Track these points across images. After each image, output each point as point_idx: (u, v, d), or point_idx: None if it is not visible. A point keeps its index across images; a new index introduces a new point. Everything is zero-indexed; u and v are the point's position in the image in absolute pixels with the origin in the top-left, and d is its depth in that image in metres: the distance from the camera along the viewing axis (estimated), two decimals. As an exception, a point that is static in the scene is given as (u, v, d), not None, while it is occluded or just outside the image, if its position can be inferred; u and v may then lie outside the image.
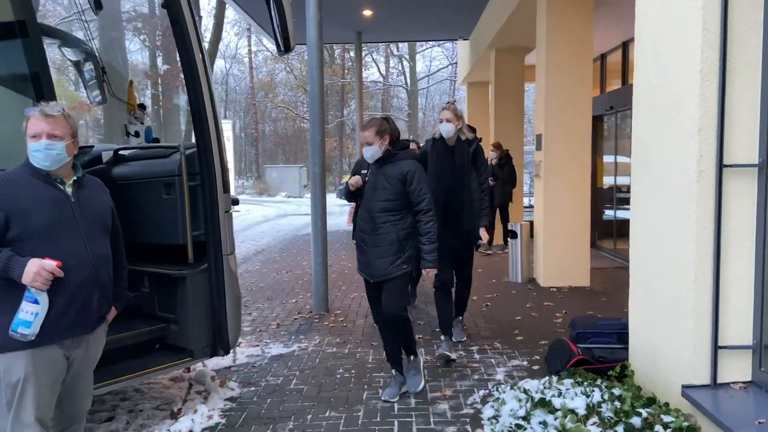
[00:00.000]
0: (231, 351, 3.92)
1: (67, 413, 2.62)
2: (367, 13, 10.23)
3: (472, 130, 4.94)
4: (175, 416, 3.62)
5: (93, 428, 3.47)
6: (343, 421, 3.59)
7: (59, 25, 5.07)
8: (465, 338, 5.13)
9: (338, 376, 4.34)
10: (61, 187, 2.45)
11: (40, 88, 2.76)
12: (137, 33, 19.93)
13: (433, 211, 3.76)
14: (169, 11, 3.45)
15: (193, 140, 3.59)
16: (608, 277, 7.76)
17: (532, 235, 7.81)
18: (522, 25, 8.71)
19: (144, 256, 3.76)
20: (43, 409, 2.42)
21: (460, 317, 5.25)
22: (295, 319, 5.94)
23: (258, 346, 5.07)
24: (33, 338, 2.30)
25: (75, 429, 2.70)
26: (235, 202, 3.78)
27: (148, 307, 3.82)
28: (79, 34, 4.86)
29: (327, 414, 3.69)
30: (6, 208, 2.31)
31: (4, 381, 2.37)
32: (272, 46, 28.81)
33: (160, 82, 20.75)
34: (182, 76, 3.60)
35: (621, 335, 4.09)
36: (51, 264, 2.28)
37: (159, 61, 20.77)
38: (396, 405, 3.80)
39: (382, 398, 3.88)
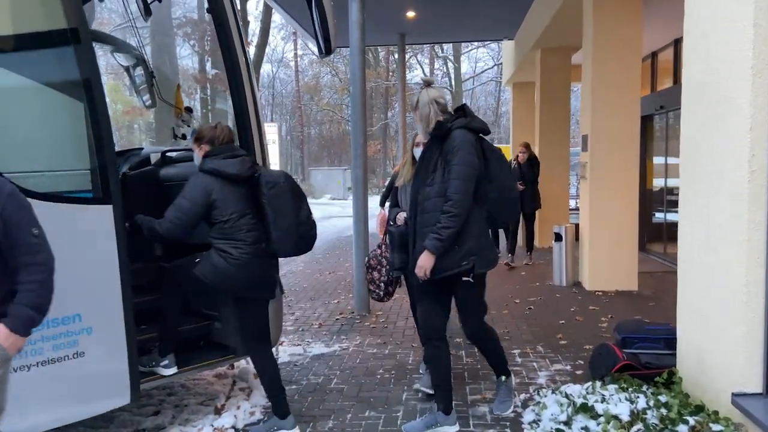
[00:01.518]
0: (273, 349, 3.98)
1: None
2: (411, 14, 10.23)
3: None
4: (218, 412, 3.70)
5: (140, 421, 3.59)
6: (382, 421, 3.60)
7: (113, 31, 5.26)
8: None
9: (378, 376, 4.36)
10: None
11: (91, 93, 2.88)
12: (187, 38, 20.52)
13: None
14: (213, 16, 3.55)
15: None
16: (657, 281, 7.53)
17: (577, 238, 7.65)
18: (568, 24, 8.56)
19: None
20: None
21: (503, 376, 3.77)
22: (337, 319, 5.99)
23: (300, 345, 5.13)
24: None
25: None
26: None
27: (194, 305, 3.93)
28: (132, 41, 5.03)
29: (366, 414, 3.71)
30: None
31: None
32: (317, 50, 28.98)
33: (208, 86, 21.30)
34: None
35: (669, 341, 3.96)
36: None
37: (208, 65, 21.32)
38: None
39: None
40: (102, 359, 2.92)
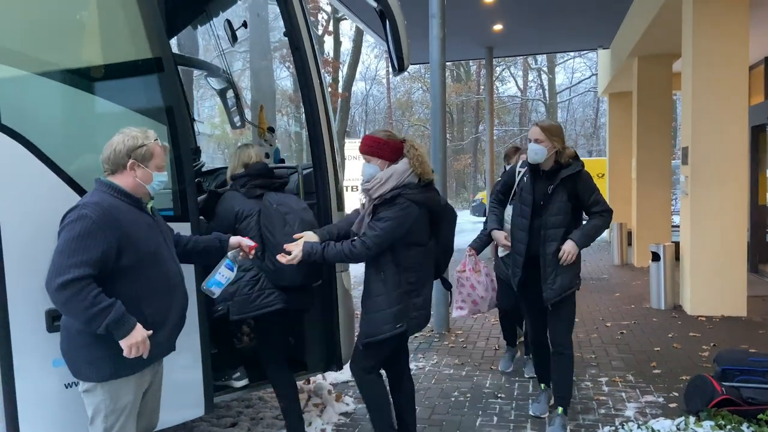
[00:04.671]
0: (345, 366, 3.99)
1: (140, 430, 2.59)
2: (498, 27, 10.07)
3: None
4: (291, 427, 3.74)
5: (217, 432, 3.70)
6: (452, 446, 3.50)
7: (214, 58, 5.60)
8: None
9: (452, 398, 4.25)
10: (149, 212, 2.53)
11: (173, 117, 3.04)
12: (282, 61, 21.43)
13: None
14: (290, 39, 3.66)
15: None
16: (770, 306, 6.85)
17: (677, 258, 7.13)
18: (666, 31, 8.08)
19: None
20: (135, 430, 2.51)
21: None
22: (415, 337, 5.92)
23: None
24: (216, 297, 2.80)
25: None
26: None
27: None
28: (236, 65, 5.29)
29: (437, 437, 3.62)
30: (118, 235, 2.30)
31: (107, 408, 2.37)
32: (410, 67, 29.45)
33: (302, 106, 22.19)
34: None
35: (776, 375, 3.58)
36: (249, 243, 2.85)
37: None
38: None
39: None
40: (179, 371, 3.03)
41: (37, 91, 2.80)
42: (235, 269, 2.84)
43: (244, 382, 3.50)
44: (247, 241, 2.90)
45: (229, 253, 2.83)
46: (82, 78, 2.95)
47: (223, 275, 2.76)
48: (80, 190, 2.68)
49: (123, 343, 2.27)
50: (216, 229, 3.17)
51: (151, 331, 2.35)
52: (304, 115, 3.72)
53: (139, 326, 2.31)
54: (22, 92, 2.73)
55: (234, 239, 2.88)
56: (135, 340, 2.28)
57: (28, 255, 2.55)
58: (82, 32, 3.12)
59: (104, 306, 2.22)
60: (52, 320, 2.57)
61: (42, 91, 2.81)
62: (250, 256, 2.92)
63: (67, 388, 2.65)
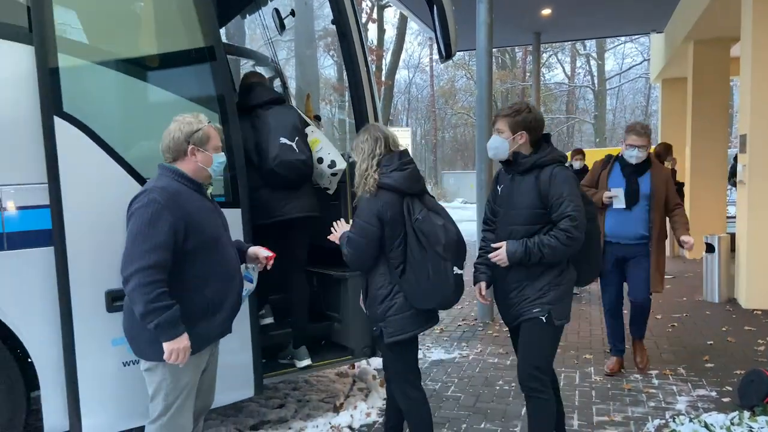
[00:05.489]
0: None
1: (197, 408, 2.67)
2: (546, 12, 9.85)
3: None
4: (336, 410, 3.82)
5: (265, 413, 3.80)
6: (497, 434, 3.49)
7: (261, 47, 5.65)
8: None
9: (497, 387, 4.23)
10: (209, 197, 2.61)
11: (224, 106, 3.11)
12: (327, 49, 21.55)
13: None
14: (337, 27, 3.68)
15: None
16: (833, 301, 6.53)
17: (733, 249, 6.87)
18: (725, 12, 7.74)
19: (314, 258, 4.03)
20: (193, 408, 2.60)
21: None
22: (459, 325, 5.92)
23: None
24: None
25: (199, 425, 2.79)
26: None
27: (317, 305, 4.09)
28: (281, 54, 5.35)
29: (482, 425, 3.61)
30: (185, 219, 2.37)
31: (168, 387, 2.46)
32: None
33: (347, 94, 22.30)
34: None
35: (837, 372, 3.43)
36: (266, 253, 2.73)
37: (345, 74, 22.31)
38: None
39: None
40: (231, 353, 3.12)
41: (96, 80, 2.90)
42: (255, 281, 2.80)
43: (307, 362, 3.60)
44: (264, 252, 2.77)
45: (249, 265, 2.79)
46: (138, 67, 3.05)
47: (243, 287, 2.70)
48: (139, 178, 2.78)
49: (166, 346, 2.33)
50: None
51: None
52: (348, 103, 3.73)
53: (185, 336, 2.36)
54: (83, 81, 2.83)
55: (252, 249, 2.79)
56: (178, 346, 2.34)
57: (89, 238, 2.67)
58: (137, 23, 3.22)
59: (164, 305, 2.29)
60: (112, 300, 2.69)
61: (100, 81, 2.92)
62: (268, 267, 2.80)
63: (125, 366, 2.77)
